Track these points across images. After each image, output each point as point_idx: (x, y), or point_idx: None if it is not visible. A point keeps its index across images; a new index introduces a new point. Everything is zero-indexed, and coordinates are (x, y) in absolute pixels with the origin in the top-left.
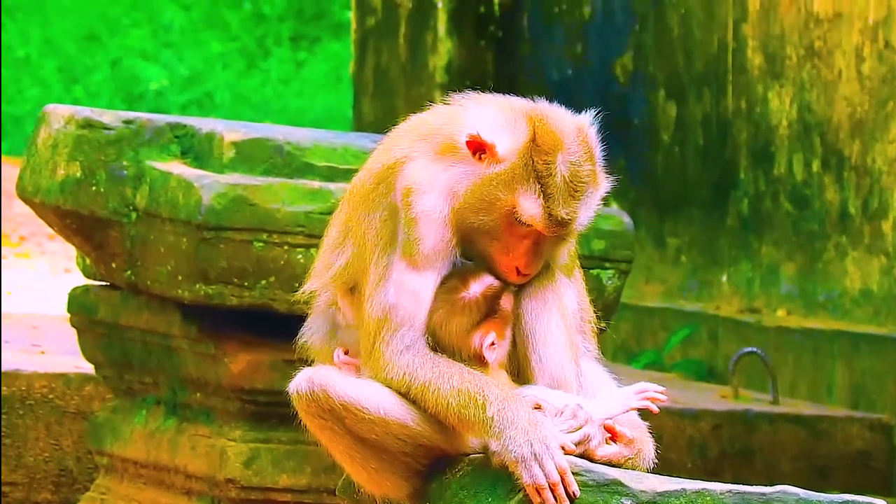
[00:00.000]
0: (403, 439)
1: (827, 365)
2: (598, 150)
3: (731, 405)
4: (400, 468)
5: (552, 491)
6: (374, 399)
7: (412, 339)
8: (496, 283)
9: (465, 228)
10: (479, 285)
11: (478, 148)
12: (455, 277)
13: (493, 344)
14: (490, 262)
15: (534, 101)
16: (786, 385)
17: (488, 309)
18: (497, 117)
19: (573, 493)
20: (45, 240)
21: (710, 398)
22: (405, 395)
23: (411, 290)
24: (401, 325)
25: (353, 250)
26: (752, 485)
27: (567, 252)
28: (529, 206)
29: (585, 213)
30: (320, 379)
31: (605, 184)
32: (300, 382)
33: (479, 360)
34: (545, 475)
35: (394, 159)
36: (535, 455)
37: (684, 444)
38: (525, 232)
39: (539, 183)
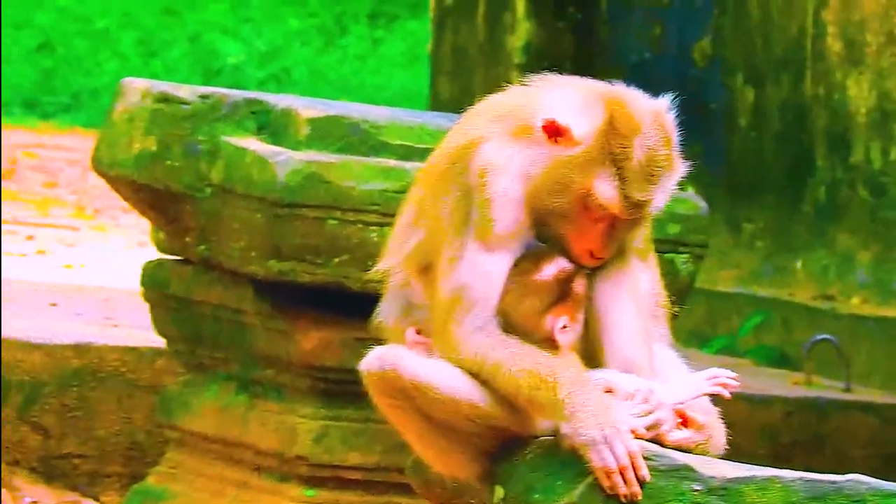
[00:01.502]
0: (473, 420)
1: None
2: (674, 135)
3: (803, 392)
4: (469, 449)
5: (622, 474)
6: (445, 379)
7: (484, 319)
8: (569, 265)
9: (540, 211)
10: (553, 268)
11: (553, 131)
12: (528, 259)
13: (565, 327)
14: (564, 244)
15: (611, 84)
16: (859, 373)
17: (561, 292)
18: (574, 100)
19: (643, 476)
20: (119, 213)
21: (782, 385)
22: (476, 375)
23: (484, 271)
24: (473, 306)
25: (427, 230)
26: (822, 473)
27: (642, 236)
28: (605, 190)
29: (661, 196)
30: (391, 358)
31: (680, 168)
32: (371, 361)
33: (550, 343)
34: (615, 458)
35: (469, 139)
36: (605, 438)
37: (755, 431)
38: (600, 215)
39: (615, 166)
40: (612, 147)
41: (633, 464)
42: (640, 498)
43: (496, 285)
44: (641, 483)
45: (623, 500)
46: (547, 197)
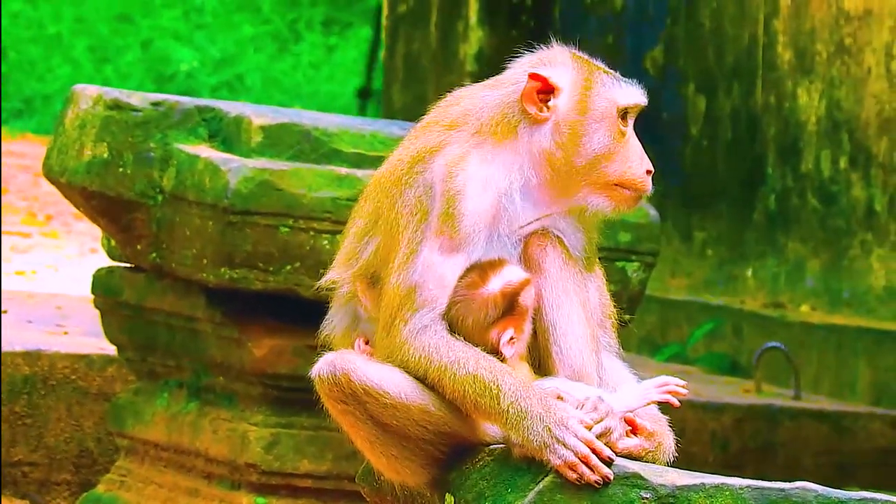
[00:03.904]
0: (424, 426)
1: (850, 361)
2: None
3: (753, 400)
4: (420, 456)
5: (585, 464)
6: (396, 384)
7: (431, 319)
8: (515, 279)
9: (578, 180)
10: (499, 281)
11: (545, 87)
12: (475, 272)
13: (511, 339)
14: (617, 188)
15: None
16: (809, 381)
17: (507, 305)
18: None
19: (607, 457)
20: (72, 219)
21: (733, 392)
22: (422, 378)
23: (437, 272)
24: (423, 305)
25: (383, 237)
26: (773, 480)
27: (587, 246)
28: (625, 90)
29: None
30: (342, 363)
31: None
32: (322, 366)
33: (497, 355)
34: (573, 451)
35: (430, 145)
36: (555, 437)
37: (707, 438)
38: (627, 129)
39: (607, 74)
40: (593, 68)
41: (592, 449)
42: (612, 478)
43: (448, 288)
44: (608, 462)
45: (596, 485)
46: (589, 149)
